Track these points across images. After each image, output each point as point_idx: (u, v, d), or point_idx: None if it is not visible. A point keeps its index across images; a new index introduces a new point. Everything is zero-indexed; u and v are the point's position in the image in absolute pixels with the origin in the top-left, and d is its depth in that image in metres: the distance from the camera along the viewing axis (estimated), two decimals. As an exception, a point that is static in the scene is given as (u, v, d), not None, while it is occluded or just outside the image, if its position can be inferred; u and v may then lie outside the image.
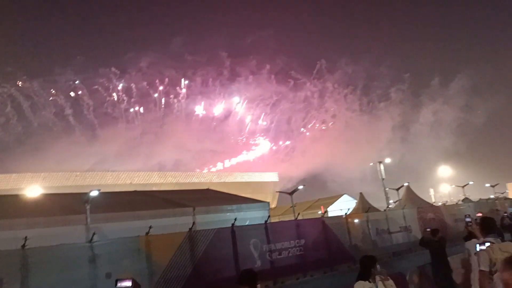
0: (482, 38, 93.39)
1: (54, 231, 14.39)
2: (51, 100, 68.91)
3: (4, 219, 14.43)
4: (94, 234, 12.39)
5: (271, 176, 72.28)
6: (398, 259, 19.50)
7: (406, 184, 33.25)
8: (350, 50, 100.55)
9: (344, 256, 19.01)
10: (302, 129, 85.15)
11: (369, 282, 5.61)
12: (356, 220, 21.07)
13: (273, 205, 45.15)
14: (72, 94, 70.80)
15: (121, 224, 15.78)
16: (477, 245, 5.71)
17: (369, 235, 20.75)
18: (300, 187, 23.10)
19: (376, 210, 27.30)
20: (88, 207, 13.50)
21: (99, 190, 13.74)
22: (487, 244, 5.54)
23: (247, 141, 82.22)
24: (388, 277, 5.68)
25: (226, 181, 65.00)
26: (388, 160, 50.85)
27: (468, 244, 9.21)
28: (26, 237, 11.36)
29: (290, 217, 26.41)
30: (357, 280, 5.68)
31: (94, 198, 14.21)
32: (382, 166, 43.23)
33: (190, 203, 18.95)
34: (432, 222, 23.66)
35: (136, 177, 60.93)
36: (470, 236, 9.49)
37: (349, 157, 70.70)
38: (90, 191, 13.70)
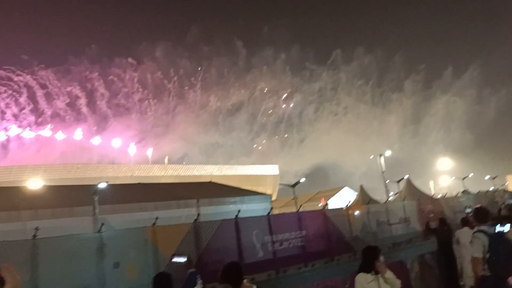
0: (496, 28, 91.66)
1: (61, 222, 14.74)
2: (64, 89, 68.53)
3: (12, 210, 14.75)
4: (102, 224, 12.69)
5: (271, 169, 72.48)
6: (397, 250, 19.86)
7: (406, 176, 33.57)
8: (365, 40, 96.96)
9: (345, 247, 19.36)
10: (313, 121, 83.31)
11: (371, 274, 5.30)
12: (356, 212, 21.39)
13: (273, 198, 45.52)
14: (86, 83, 70.53)
15: (127, 216, 16.13)
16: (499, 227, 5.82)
17: (369, 226, 21.10)
18: (302, 179, 23.37)
19: (376, 202, 27.63)
20: (96, 198, 13.78)
21: (107, 182, 14.02)
22: (507, 226, 5.78)
23: (256, 133, 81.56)
24: (387, 269, 5.36)
25: (226, 174, 65.18)
26: (388, 153, 50.79)
27: (458, 233, 9.49)
28: (37, 228, 11.68)
29: (290, 209, 26.76)
30: (358, 272, 5.40)
31: (100, 189, 14.49)
32: (382, 159, 43.49)
33: (194, 195, 19.26)
34: (432, 214, 23.99)
35: (137, 169, 61.05)
36: (463, 225, 9.82)
37: (357, 150, 69.65)
38: (98, 183, 13.97)
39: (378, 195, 36.84)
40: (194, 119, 75.04)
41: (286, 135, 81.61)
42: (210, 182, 26.24)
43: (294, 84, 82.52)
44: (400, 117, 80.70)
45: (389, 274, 5.34)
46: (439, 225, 12.15)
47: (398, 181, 33.39)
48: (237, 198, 20.38)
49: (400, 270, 8.38)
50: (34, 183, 27.31)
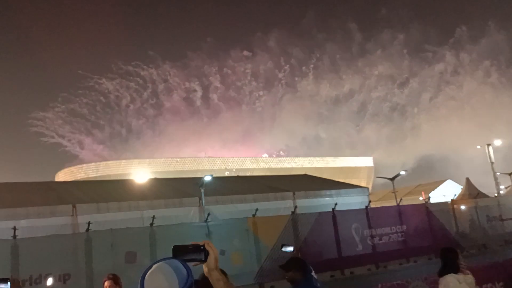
0: None
1: (172, 211, 16.15)
2: (182, 84, 73.39)
3: (131, 200, 16.53)
4: (208, 214, 13.70)
5: (365, 161, 70.16)
6: (510, 248, 18.22)
7: (520, 168, 30.34)
8: (495, 14, 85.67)
9: (450, 243, 18.21)
10: (430, 108, 76.18)
11: (459, 274, 4.98)
12: (462, 207, 20.02)
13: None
14: (202, 78, 74.59)
15: (228, 207, 17.11)
16: None
17: (478, 222, 19.62)
18: (402, 172, 22.33)
19: (485, 196, 25.46)
20: (202, 190, 14.84)
21: (211, 175, 15.02)
22: None
23: (365, 123, 78.32)
24: (468, 271, 5.07)
25: (317, 166, 64.83)
26: (498, 143, 45.27)
27: None
28: (153, 216, 13.05)
29: (386, 203, 25.86)
30: (444, 273, 5.06)
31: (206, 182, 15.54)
32: (491, 149, 39.64)
33: (290, 188, 19.64)
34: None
35: (230, 162, 63.72)
36: None
37: (474, 139, 62.39)
38: (204, 176, 15.03)
39: (487, 189, 33.77)
40: (299, 110, 74.25)
41: (396, 125, 76.45)
42: (305, 175, 26.50)
43: (412, 67, 75.72)
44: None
45: (471, 278, 5.08)
46: None
47: (511, 173, 30.24)
48: (333, 191, 20.30)
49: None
50: (141, 176, 30.21)
